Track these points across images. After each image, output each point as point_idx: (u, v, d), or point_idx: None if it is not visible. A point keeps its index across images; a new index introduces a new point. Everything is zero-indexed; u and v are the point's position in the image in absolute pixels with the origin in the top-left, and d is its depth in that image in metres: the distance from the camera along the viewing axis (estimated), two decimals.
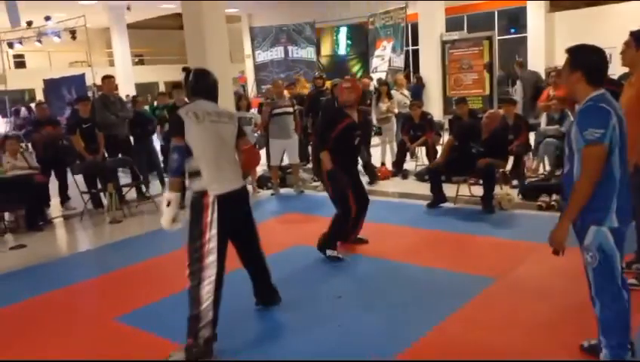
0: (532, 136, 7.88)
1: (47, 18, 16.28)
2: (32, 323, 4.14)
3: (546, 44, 15.41)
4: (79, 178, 7.43)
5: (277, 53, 18.51)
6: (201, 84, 3.52)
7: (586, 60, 2.69)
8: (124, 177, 8.64)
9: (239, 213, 3.50)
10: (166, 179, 8.61)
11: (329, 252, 4.99)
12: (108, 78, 8.23)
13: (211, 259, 3.25)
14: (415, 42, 14.66)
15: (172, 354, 3.25)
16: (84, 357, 3.54)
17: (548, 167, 7.43)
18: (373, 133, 9.78)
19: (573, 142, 2.72)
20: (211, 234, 3.25)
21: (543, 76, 10.70)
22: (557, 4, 15.72)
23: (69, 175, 7.73)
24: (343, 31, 19.30)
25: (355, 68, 18.86)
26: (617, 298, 2.71)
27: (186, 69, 3.63)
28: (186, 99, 3.68)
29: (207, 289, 3.23)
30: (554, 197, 6.17)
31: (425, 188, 6.97)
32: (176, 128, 3.31)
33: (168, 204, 3.26)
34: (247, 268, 3.77)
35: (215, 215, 3.24)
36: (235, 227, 3.47)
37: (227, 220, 3.30)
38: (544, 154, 7.37)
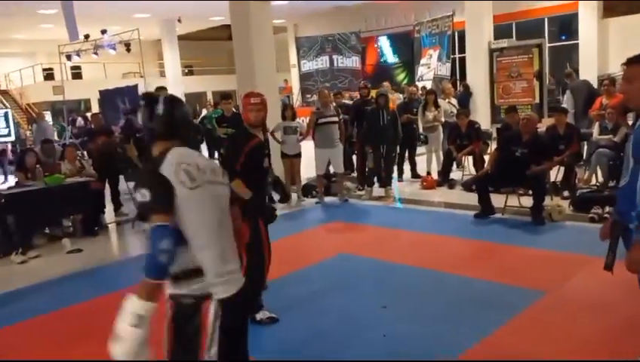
0: (584, 146, 7.68)
1: (104, 31, 16.94)
2: (89, 324, 4.30)
3: (598, 51, 14.96)
4: (132, 185, 7.68)
5: (322, 62, 18.65)
6: (180, 120, 2.24)
7: None
8: None
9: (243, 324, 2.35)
10: None
11: (259, 316, 3.96)
12: (161, 90, 8.49)
13: None
14: (462, 50, 14.52)
15: None
16: None
17: (600, 178, 7.21)
18: (419, 142, 9.75)
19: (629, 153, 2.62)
20: (210, 356, 2.12)
21: (595, 84, 10.42)
22: (611, 10, 15.25)
23: (122, 182, 8.01)
24: (389, 40, 19.32)
25: (401, 76, 18.82)
26: None
27: (147, 96, 2.41)
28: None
29: None
30: (607, 209, 5.99)
31: (472, 198, 6.89)
32: (160, 198, 2.01)
33: (138, 324, 2.00)
34: None
35: (217, 331, 2.12)
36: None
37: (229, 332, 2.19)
38: (596, 164, 7.16)
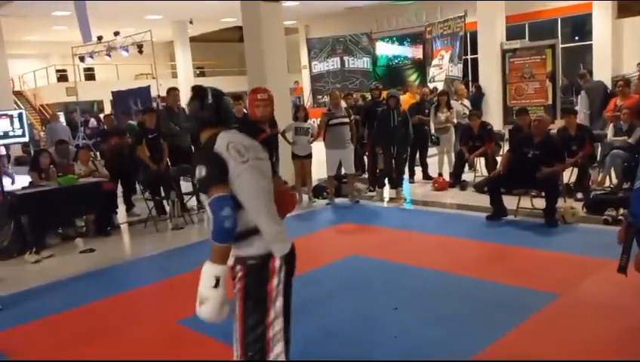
0: (598, 148, 7.61)
1: (116, 33, 17.09)
2: (101, 323, 4.35)
3: (613, 52, 14.82)
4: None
5: (333, 63, 18.68)
6: (225, 109, 2.56)
7: None
8: (186, 186, 8.92)
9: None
10: None
11: None
12: (172, 91, 8.54)
13: (278, 350, 2.38)
14: (474, 51, 14.46)
15: None
16: (151, 358, 3.68)
17: (615, 180, 7.14)
18: (430, 143, 9.72)
19: None
20: (276, 311, 2.37)
21: (610, 85, 10.32)
22: (625, 10, 15.10)
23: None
24: (400, 41, 19.26)
25: (412, 77, 18.77)
26: None
27: (198, 88, 2.60)
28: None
29: None
30: (621, 211, 5.93)
31: (484, 200, 6.85)
32: (216, 172, 2.28)
33: (216, 284, 2.23)
34: None
35: (282, 285, 2.39)
36: None
37: (291, 288, 2.47)
38: (611, 166, 7.09)
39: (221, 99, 2.54)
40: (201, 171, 2.29)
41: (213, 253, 2.25)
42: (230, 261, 2.35)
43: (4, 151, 12.75)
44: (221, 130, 2.44)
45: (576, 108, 9.21)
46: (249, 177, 2.33)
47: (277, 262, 2.37)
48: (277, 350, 2.37)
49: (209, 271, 2.25)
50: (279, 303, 2.38)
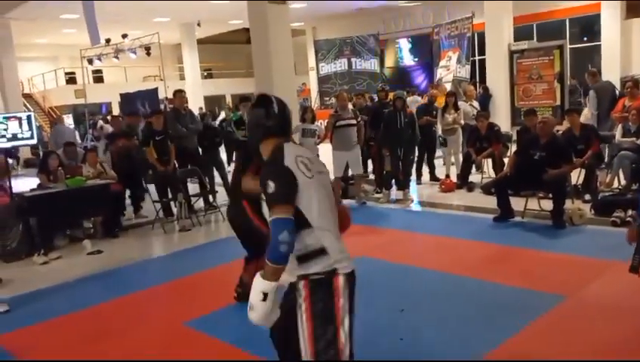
0: (605, 149, 7.56)
1: (124, 36, 17.20)
2: (107, 325, 4.37)
3: (621, 53, 14.73)
4: (151, 188, 7.75)
5: (340, 65, 18.68)
6: (289, 119, 2.50)
7: None
8: (193, 187, 8.95)
9: None
10: None
11: None
12: (179, 93, 8.57)
13: None
14: (482, 52, 14.41)
15: None
16: (157, 359, 3.70)
17: (623, 181, 7.09)
18: (438, 145, 9.69)
19: None
20: (345, 332, 2.33)
21: (618, 86, 10.24)
22: (634, 10, 15.00)
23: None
24: (407, 42, 19.25)
25: (419, 79, 18.76)
26: None
27: (264, 97, 2.50)
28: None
29: None
30: (629, 212, 5.89)
31: (491, 202, 6.82)
32: (285, 190, 2.21)
33: (264, 299, 2.21)
34: None
35: (347, 304, 2.33)
36: None
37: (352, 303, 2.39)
38: (619, 167, 7.04)
39: (285, 108, 2.45)
40: (269, 186, 2.20)
41: (265, 270, 2.20)
42: (292, 278, 2.32)
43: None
44: (283, 142, 2.36)
45: (585, 108, 9.15)
46: (315, 193, 2.27)
47: (341, 280, 2.30)
48: None
49: (258, 285, 2.21)
50: (347, 323, 2.32)
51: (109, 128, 16.79)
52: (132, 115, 9.57)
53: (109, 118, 17.07)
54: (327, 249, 2.28)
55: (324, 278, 2.28)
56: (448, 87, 13.36)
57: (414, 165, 8.65)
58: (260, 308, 2.21)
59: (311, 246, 2.27)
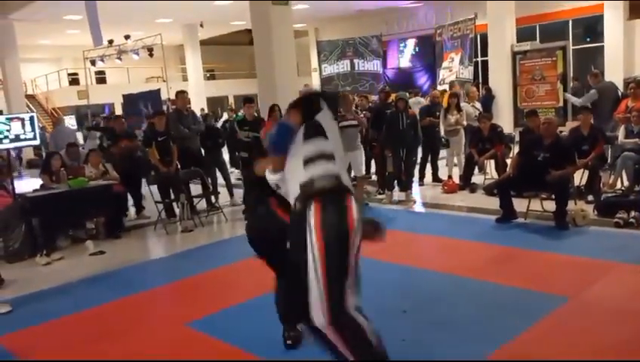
0: (608, 150, 7.54)
1: (127, 37, 17.23)
2: (110, 326, 4.37)
3: (624, 54, 14.70)
4: (154, 188, 7.76)
5: (343, 66, 18.65)
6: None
7: None
8: (195, 188, 8.95)
9: None
10: (234, 190, 8.84)
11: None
12: (181, 94, 8.58)
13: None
14: (484, 53, 14.39)
15: None
16: (158, 360, 3.70)
17: (626, 182, 7.07)
18: (441, 146, 9.68)
19: None
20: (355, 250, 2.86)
21: (621, 87, 10.22)
22: (637, 11, 14.96)
23: (144, 185, 8.10)
24: (410, 43, 19.24)
25: (422, 80, 18.74)
26: None
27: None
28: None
29: None
30: (633, 213, 5.88)
31: (494, 203, 6.81)
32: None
33: None
34: None
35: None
36: None
37: None
38: (622, 168, 7.02)
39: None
40: None
41: None
42: None
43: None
44: None
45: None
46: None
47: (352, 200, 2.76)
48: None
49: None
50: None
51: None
52: (115, 118, 9.53)
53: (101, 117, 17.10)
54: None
55: (340, 195, 2.72)
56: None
57: (417, 166, 8.64)
58: None
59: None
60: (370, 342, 2.67)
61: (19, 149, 14.30)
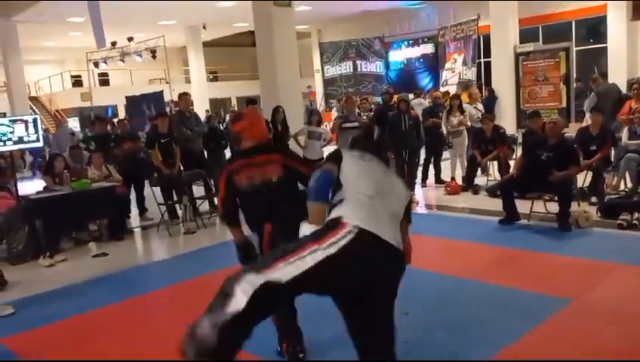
0: (612, 151, 7.53)
1: (130, 39, 17.27)
2: (112, 328, 4.38)
3: (628, 54, 14.66)
4: (157, 190, 7.77)
5: (346, 67, 18.68)
6: None
7: None
8: (197, 190, 8.96)
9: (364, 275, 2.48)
10: None
11: None
12: (184, 96, 8.60)
13: None
14: (487, 54, 14.39)
15: None
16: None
17: (629, 184, 7.06)
18: (445, 147, 9.67)
19: None
20: None
21: (625, 88, 10.20)
22: None
23: (147, 187, 8.12)
24: (413, 44, 19.22)
25: (425, 81, 18.72)
26: None
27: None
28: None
29: None
30: (636, 215, 5.86)
31: (497, 204, 6.79)
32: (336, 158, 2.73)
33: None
34: None
35: (338, 247, 2.44)
36: None
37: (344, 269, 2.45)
38: (625, 169, 7.01)
39: None
40: None
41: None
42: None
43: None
44: None
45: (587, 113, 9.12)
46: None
47: None
48: None
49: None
50: None
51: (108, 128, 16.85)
52: (100, 120, 9.51)
53: (114, 120, 17.12)
54: (342, 211, 2.43)
55: None
56: (453, 89, 13.34)
57: (419, 167, 8.63)
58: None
59: None
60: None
61: (25, 150, 14.29)
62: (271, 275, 2.12)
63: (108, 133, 9.18)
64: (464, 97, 10.03)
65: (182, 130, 8.07)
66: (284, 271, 2.13)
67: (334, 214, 2.35)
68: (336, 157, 2.55)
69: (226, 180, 3.34)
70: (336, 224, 2.28)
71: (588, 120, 8.45)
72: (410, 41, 18.88)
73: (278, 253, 2.22)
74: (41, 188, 7.38)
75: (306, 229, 2.31)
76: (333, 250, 2.18)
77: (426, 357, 3.44)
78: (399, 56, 19.42)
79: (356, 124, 7.94)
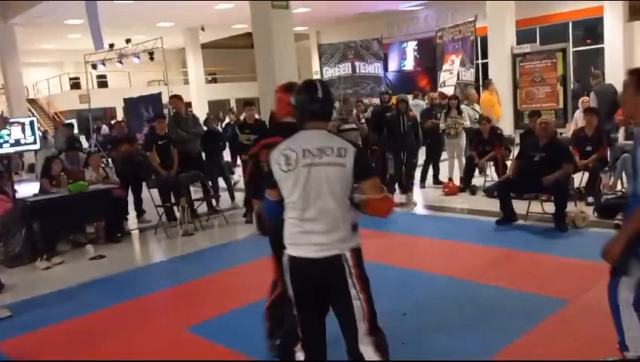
0: (608, 151, 7.53)
1: (128, 40, 17.26)
2: (110, 330, 4.37)
3: (624, 55, 14.68)
4: (154, 192, 7.77)
5: (344, 69, 18.67)
6: (312, 101, 2.59)
7: None
8: (195, 192, 8.96)
9: (323, 288, 2.62)
10: (235, 193, 8.87)
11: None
12: (173, 98, 8.63)
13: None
14: (485, 55, 14.40)
15: None
16: None
17: (626, 184, 7.06)
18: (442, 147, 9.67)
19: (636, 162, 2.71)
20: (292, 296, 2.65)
21: (621, 88, 10.19)
22: (637, 13, 14.95)
23: (144, 189, 8.11)
24: (411, 46, 19.25)
25: (423, 82, 18.75)
26: None
27: (309, 82, 2.72)
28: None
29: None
30: None
31: (494, 205, 6.80)
32: (267, 177, 2.62)
33: None
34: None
35: (288, 278, 2.62)
36: (325, 303, 2.71)
37: (303, 291, 2.62)
38: (622, 170, 7.01)
39: (330, 92, 2.68)
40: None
41: None
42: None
43: None
44: (301, 129, 2.61)
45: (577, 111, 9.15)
46: (286, 183, 2.54)
47: (285, 258, 2.62)
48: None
49: None
50: (292, 293, 2.65)
51: (105, 129, 16.83)
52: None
53: (112, 122, 17.12)
54: (284, 234, 2.59)
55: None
56: (451, 90, 13.34)
57: (417, 168, 8.64)
58: None
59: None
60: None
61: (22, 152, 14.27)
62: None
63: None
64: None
65: (177, 131, 8.07)
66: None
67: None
68: (269, 180, 2.60)
69: None
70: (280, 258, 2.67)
71: (577, 119, 8.47)
72: (409, 43, 18.90)
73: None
74: (37, 191, 7.36)
75: None
76: (291, 291, 2.61)
77: (423, 357, 3.45)
78: (397, 57, 19.47)
79: (353, 125, 7.94)
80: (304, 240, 2.53)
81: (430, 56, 17.49)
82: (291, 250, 2.57)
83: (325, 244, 2.51)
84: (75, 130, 17.18)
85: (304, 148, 2.51)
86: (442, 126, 8.99)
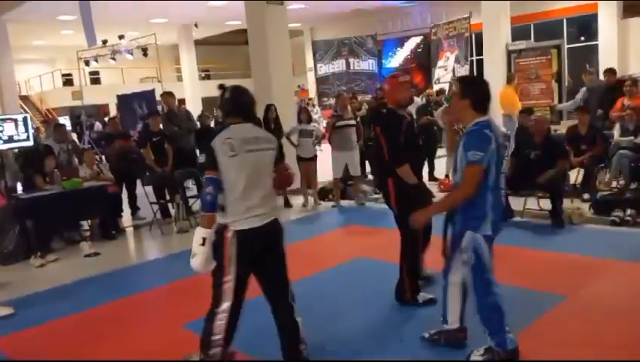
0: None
1: (121, 37, 17.12)
2: (106, 327, 4.34)
3: (619, 52, 14.74)
4: (149, 189, 7.72)
5: (338, 65, 18.65)
6: (239, 103, 3.13)
7: (474, 90, 3.17)
8: (190, 189, 8.92)
9: (264, 250, 3.10)
10: None
11: (421, 297, 4.28)
12: (164, 95, 8.61)
13: (226, 304, 3.04)
14: (479, 52, 14.42)
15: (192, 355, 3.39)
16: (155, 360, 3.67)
17: (622, 180, 7.08)
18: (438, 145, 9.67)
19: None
20: (230, 272, 3.00)
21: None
22: (631, 10, 15.00)
23: (139, 186, 8.07)
24: (406, 42, 19.21)
25: (417, 79, 18.73)
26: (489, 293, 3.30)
27: (222, 86, 3.23)
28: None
29: (219, 325, 3.07)
30: (628, 211, 5.88)
31: None
32: (209, 161, 2.95)
33: (203, 243, 2.93)
34: (274, 317, 3.25)
35: (234, 258, 2.98)
36: (259, 266, 3.13)
37: (247, 259, 3.03)
38: (618, 166, 7.03)
39: (240, 95, 3.16)
40: (202, 157, 3.04)
41: (202, 220, 3.03)
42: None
43: None
44: (235, 123, 3.06)
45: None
46: (231, 167, 2.94)
47: (229, 234, 2.96)
48: (224, 306, 3.03)
49: (198, 233, 2.97)
50: (232, 268, 2.98)
51: (98, 126, 16.71)
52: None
53: (106, 119, 17.01)
54: (226, 209, 2.98)
55: (218, 230, 2.98)
56: (446, 87, 13.36)
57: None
58: (200, 252, 2.94)
59: (221, 205, 2.99)
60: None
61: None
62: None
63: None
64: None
65: (170, 127, 8.03)
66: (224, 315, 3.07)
67: (221, 220, 2.99)
68: (212, 161, 2.94)
69: None
70: (222, 233, 2.97)
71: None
72: (403, 39, 18.88)
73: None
74: (28, 187, 7.25)
75: (198, 233, 2.96)
76: (233, 266, 2.99)
77: (422, 354, 3.44)
78: (392, 53, 19.43)
79: (351, 121, 7.91)
80: (249, 214, 2.98)
81: (425, 52, 17.48)
82: (238, 225, 2.96)
83: (265, 214, 3.04)
84: (68, 128, 17.09)
85: (242, 137, 3.00)
86: (440, 123, 8.98)
